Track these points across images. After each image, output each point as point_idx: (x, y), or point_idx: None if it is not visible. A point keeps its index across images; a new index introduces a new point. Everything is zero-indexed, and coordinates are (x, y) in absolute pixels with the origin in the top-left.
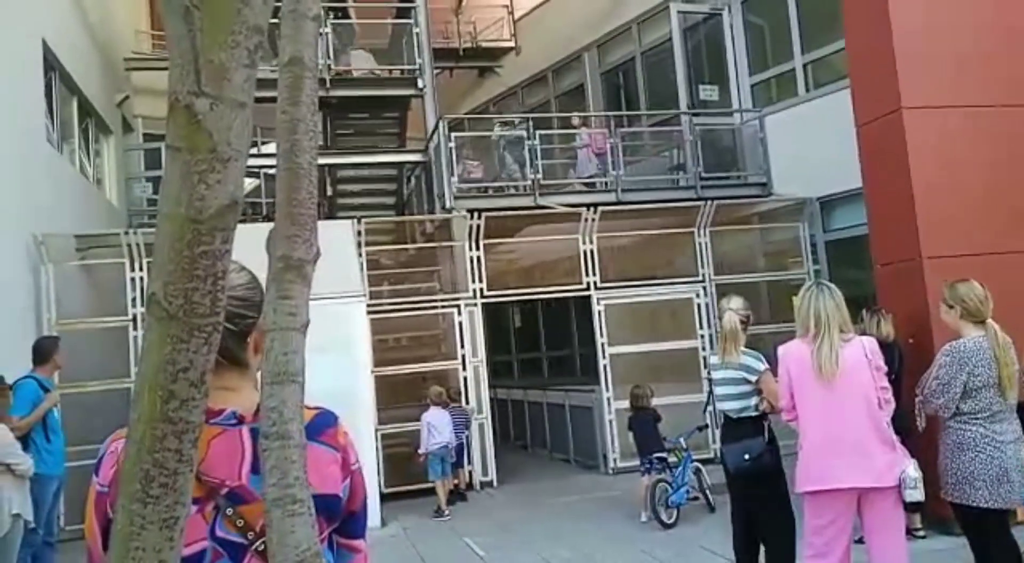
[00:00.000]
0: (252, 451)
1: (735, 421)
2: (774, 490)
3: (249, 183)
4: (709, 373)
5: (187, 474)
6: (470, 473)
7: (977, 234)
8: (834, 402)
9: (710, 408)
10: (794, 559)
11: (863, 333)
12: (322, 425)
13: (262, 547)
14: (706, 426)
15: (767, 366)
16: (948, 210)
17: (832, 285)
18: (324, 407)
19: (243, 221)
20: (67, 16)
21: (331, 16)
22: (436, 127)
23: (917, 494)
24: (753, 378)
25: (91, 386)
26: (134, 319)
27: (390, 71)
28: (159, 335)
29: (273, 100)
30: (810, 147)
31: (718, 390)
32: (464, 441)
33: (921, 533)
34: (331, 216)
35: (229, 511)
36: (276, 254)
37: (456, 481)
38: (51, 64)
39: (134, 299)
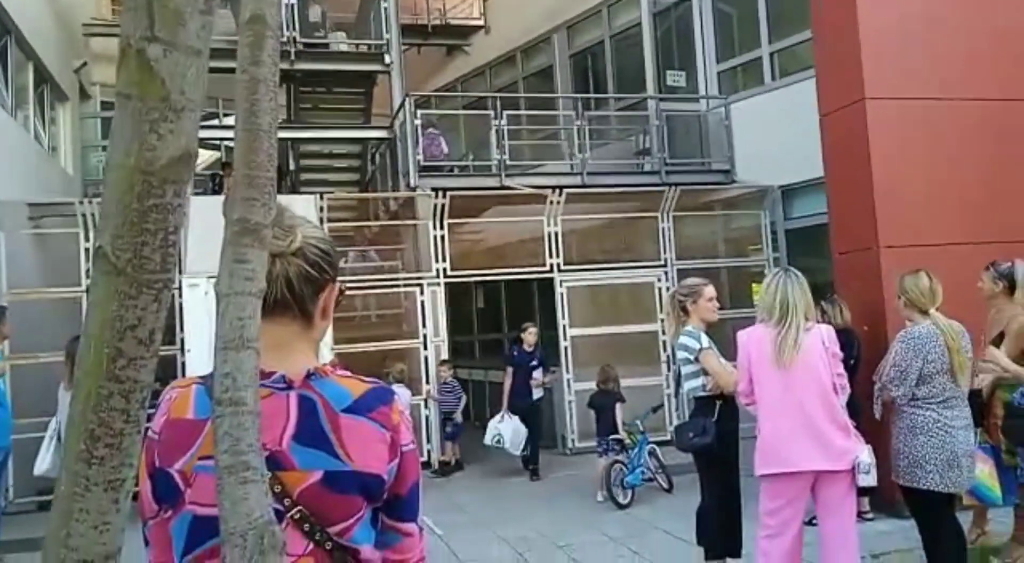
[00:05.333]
0: (298, 418)
1: (694, 400)
2: (705, 470)
3: (210, 155)
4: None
5: (134, 435)
6: (428, 453)
7: (934, 224)
8: (791, 387)
9: (680, 389)
10: (721, 544)
11: (828, 322)
12: (374, 401)
13: (298, 516)
14: (660, 406)
15: (703, 345)
16: (906, 200)
17: (798, 272)
18: (381, 383)
19: (202, 193)
20: None
21: None
22: (402, 104)
23: (870, 479)
24: (692, 356)
25: (43, 357)
26: (87, 290)
27: (357, 46)
28: (106, 290)
29: (234, 70)
30: (774, 136)
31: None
32: (455, 414)
33: (869, 515)
34: (293, 191)
35: (268, 475)
36: (233, 217)
37: (447, 456)
38: (7, 27)
39: (88, 270)
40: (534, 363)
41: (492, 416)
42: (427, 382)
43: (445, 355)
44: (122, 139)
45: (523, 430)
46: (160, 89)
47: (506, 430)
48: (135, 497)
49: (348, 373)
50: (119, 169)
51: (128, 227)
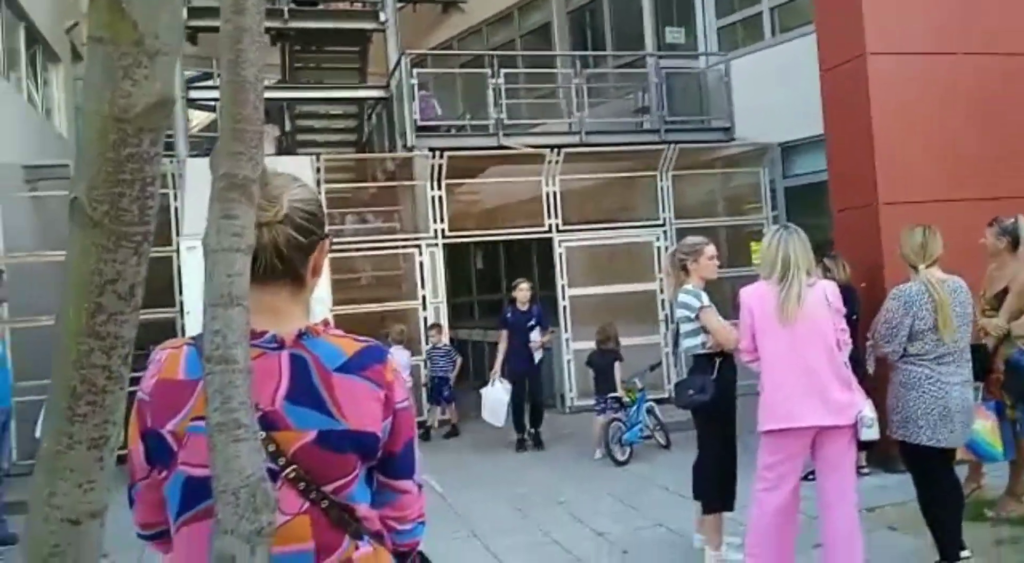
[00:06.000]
0: (290, 377)
1: (693, 358)
2: (704, 427)
3: (206, 117)
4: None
5: (117, 393)
6: (428, 411)
7: (934, 181)
8: (795, 344)
9: (678, 347)
10: (718, 498)
11: (832, 278)
12: (368, 359)
13: (293, 475)
14: (658, 365)
15: (704, 304)
16: (907, 156)
17: (799, 228)
18: (374, 341)
19: (198, 155)
20: None
21: None
22: (398, 63)
23: (873, 433)
24: (692, 314)
25: (43, 320)
26: None
27: (351, 3)
28: (83, 244)
29: None
30: (774, 93)
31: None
32: (450, 378)
33: (865, 470)
34: (289, 152)
35: (261, 435)
36: (219, 172)
37: (448, 416)
38: None
39: None
40: (531, 323)
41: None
42: (426, 343)
43: (444, 316)
44: (95, 86)
45: (504, 399)
46: (133, 32)
47: (488, 398)
48: (119, 461)
49: (340, 332)
50: (93, 117)
51: (104, 178)
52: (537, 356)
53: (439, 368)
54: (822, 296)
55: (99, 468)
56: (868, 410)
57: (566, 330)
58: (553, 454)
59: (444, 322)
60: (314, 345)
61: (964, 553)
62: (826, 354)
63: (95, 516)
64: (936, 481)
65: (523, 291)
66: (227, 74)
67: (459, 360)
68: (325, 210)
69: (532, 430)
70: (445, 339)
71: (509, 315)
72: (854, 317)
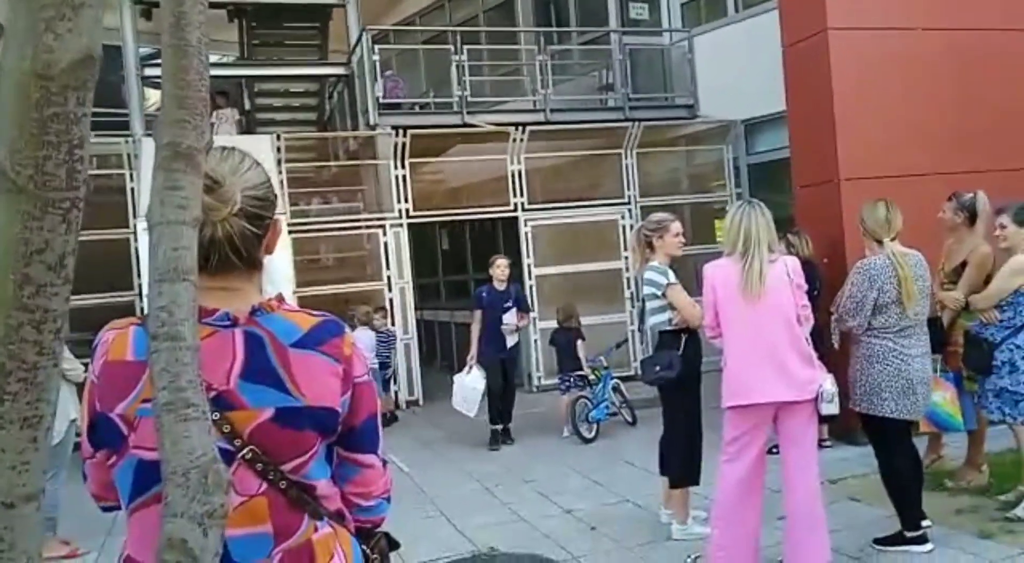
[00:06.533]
0: (244, 355)
1: (659, 335)
2: (670, 403)
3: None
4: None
5: (50, 369)
6: (396, 394)
7: (895, 156)
8: (757, 319)
9: (643, 324)
10: (684, 473)
11: (796, 254)
12: (325, 334)
13: (250, 455)
14: (625, 342)
15: (670, 281)
16: (868, 132)
17: (762, 204)
18: (331, 316)
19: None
20: None
21: None
22: (359, 39)
23: (833, 407)
24: (659, 292)
25: None
26: None
27: None
28: (8, 211)
29: None
30: (737, 69)
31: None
32: (388, 364)
33: (828, 443)
34: (249, 131)
35: (215, 416)
36: (163, 141)
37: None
38: None
39: None
40: (508, 304)
41: (458, 357)
42: (392, 324)
43: (410, 297)
44: (16, 40)
45: (479, 389)
46: None
47: (462, 387)
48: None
49: (295, 307)
50: (14, 74)
51: (27, 140)
52: (511, 340)
53: (379, 355)
54: (783, 272)
55: (33, 449)
56: (829, 384)
57: (532, 309)
58: (521, 433)
59: (410, 300)
60: (269, 321)
61: (924, 523)
62: (787, 330)
63: (31, 499)
64: (897, 453)
65: (501, 267)
66: (169, 37)
67: (395, 349)
68: (286, 190)
69: (502, 426)
70: (391, 323)
71: (484, 294)
72: (815, 292)
